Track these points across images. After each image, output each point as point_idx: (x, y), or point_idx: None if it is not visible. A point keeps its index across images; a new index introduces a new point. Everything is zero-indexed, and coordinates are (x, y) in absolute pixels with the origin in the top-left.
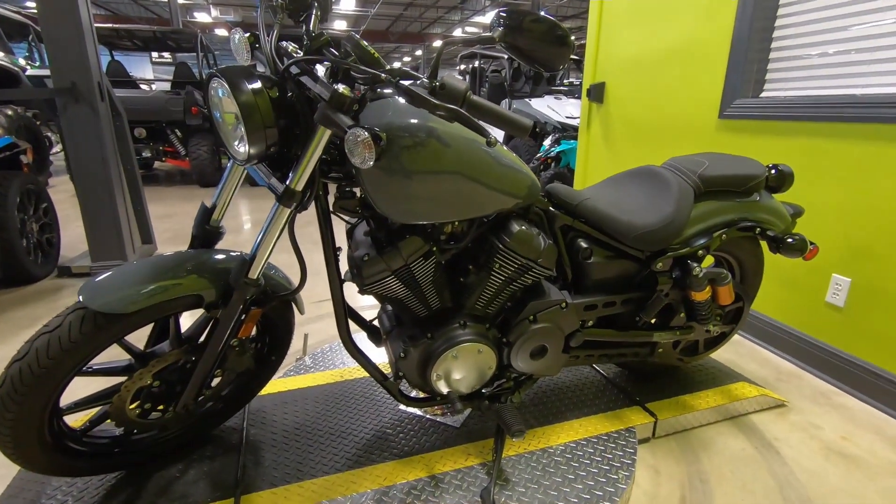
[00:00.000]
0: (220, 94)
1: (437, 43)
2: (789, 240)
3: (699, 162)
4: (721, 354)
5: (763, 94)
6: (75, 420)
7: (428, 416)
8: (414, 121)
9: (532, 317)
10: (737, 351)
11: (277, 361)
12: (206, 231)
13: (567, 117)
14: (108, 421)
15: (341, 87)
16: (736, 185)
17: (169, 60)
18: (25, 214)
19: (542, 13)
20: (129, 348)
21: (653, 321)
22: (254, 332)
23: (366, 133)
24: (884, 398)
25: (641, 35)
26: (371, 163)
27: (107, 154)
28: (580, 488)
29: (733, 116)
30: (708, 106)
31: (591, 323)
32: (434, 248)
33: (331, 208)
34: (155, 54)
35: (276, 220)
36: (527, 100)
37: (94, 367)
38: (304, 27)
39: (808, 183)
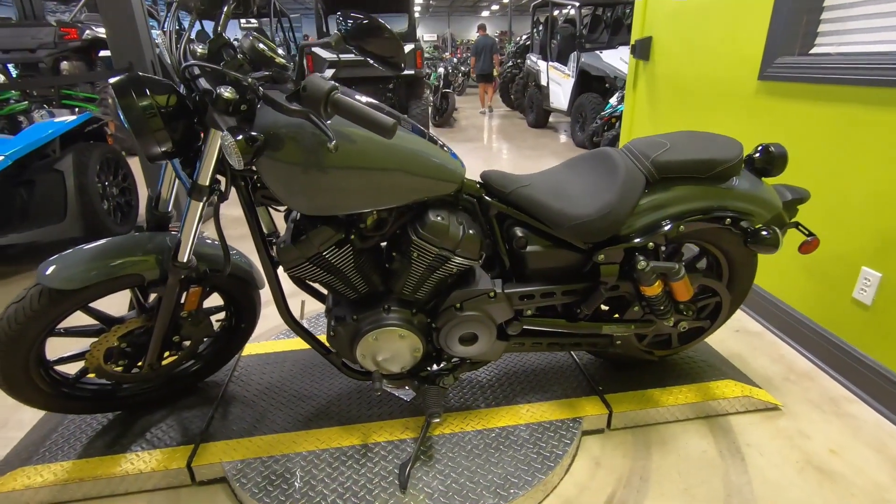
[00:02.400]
0: (115, 102)
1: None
2: (763, 233)
3: (660, 144)
4: (730, 346)
5: (813, 51)
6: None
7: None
8: (291, 120)
9: (459, 304)
10: (751, 343)
11: (248, 328)
12: (156, 216)
13: None
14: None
15: (225, 92)
16: (698, 171)
17: (256, 25)
18: (106, 180)
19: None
20: (97, 315)
21: (610, 313)
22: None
23: (231, 138)
24: None
25: None
26: (241, 164)
27: None
28: (497, 473)
29: (774, 77)
30: (748, 65)
31: (529, 312)
32: (353, 237)
33: (254, 197)
34: (242, 20)
35: (190, 212)
36: (598, 52)
37: (68, 329)
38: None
39: (846, 162)
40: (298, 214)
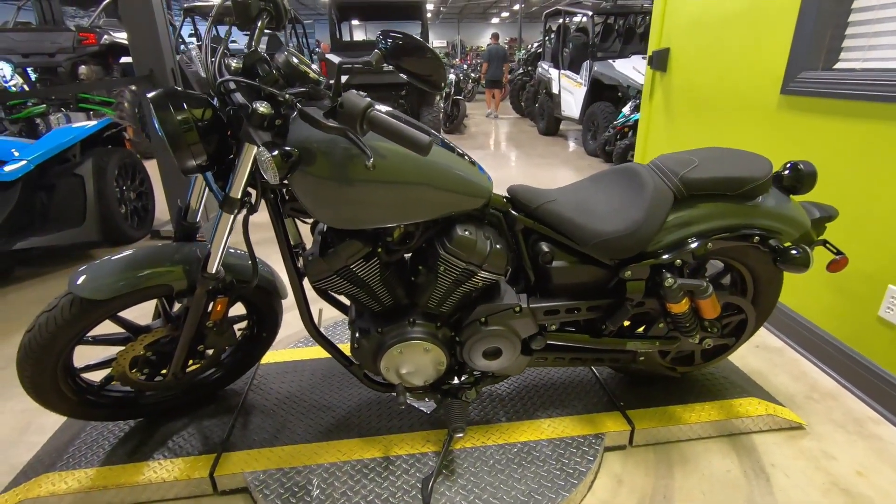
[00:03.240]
0: (153, 117)
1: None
2: (793, 252)
3: (688, 161)
4: (750, 363)
5: (837, 66)
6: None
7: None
8: (323, 135)
9: (483, 319)
10: (772, 360)
11: (270, 337)
12: (184, 227)
13: None
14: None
15: (260, 107)
16: (727, 189)
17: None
18: (124, 185)
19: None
20: (124, 323)
21: (633, 328)
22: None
23: (268, 154)
24: None
25: None
26: (277, 179)
27: None
28: (520, 489)
29: (798, 92)
30: (770, 79)
31: (553, 327)
32: (379, 250)
33: (282, 209)
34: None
35: (221, 224)
36: (610, 61)
37: (96, 338)
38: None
39: (872, 179)
40: (326, 227)
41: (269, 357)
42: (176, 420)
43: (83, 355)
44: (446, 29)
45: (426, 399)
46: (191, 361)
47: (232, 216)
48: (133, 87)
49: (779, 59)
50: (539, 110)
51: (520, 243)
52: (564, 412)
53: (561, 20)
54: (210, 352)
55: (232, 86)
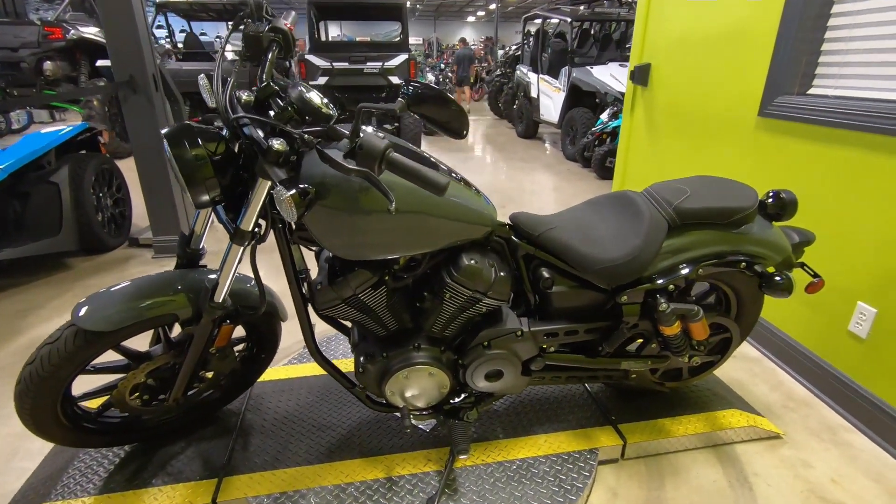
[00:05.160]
0: (167, 152)
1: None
2: (777, 278)
3: (680, 191)
4: (730, 373)
5: (811, 92)
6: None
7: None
8: (340, 175)
9: (486, 343)
10: (751, 370)
11: (268, 359)
12: (188, 253)
13: None
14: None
15: (276, 144)
16: (718, 218)
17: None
18: (101, 191)
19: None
20: (126, 352)
21: (624, 346)
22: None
23: (287, 193)
24: (893, 440)
25: (690, 11)
26: (295, 217)
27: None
28: None
29: (774, 115)
30: (748, 100)
31: (552, 349)
32: (387, 278)
33: (290, 238)
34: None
35: (231, 255)
36: (588, 67)
37: (97, 367)
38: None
39: (844, 202)
40: (332, 255)
41: (264, 375)
42: (174, 443)
43: (81, 382)
44: (423, 27)
45: (427, 420)
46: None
47: (242, 248)
48: (101, 85)
49: (757, 81)
50: (518, 113)
51: (521, 269)
52: (560, 427)
53: (540, 24)
54: (209, 375)
55: (246, 120)
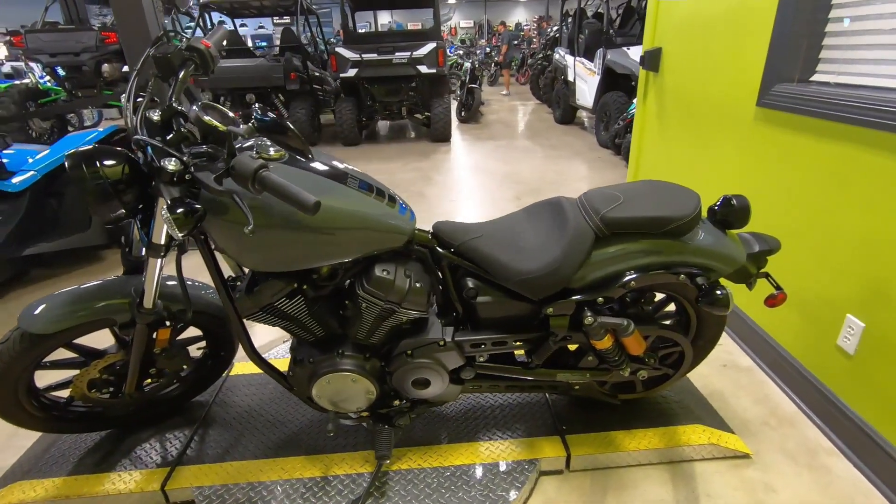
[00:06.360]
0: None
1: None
2: (717, 292)
3: (612, 198)
4: (714, 384)
5: (814, 79)
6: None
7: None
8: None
9: (409, 351)
10: (738, 381)
11: (228, 356)
12: (130, 261)
13: None
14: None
15: (169, 164)
16: (649, 228)
17: (288, 22)
18: None
19: None
20: (79, 349)
21: (570, 358)
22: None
23: (167, 214)
24: (874, 466)
25: None
26: (179, 235)
27: None
28: None
29: (772, 105)
30: (747, 89)
31: (482, 359)
32: (305, 287)
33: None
34: (275, 17)
35: (150, 267)
36: (625, 48)
37: (54, 362)
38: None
39: (839, 203)
40: None
41: (240, 368)
42: (143, 431)
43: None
44: (473, 9)
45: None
46: (148, 381)
47: (159, 261)
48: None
49: (756, 67)
50: (555, 98)
51: (446, 279)
52: (505, 435)
53: (577, 3)
54: (166, 371)
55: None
